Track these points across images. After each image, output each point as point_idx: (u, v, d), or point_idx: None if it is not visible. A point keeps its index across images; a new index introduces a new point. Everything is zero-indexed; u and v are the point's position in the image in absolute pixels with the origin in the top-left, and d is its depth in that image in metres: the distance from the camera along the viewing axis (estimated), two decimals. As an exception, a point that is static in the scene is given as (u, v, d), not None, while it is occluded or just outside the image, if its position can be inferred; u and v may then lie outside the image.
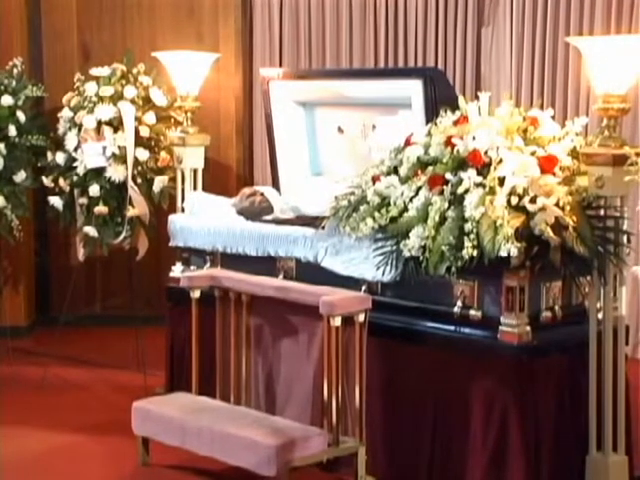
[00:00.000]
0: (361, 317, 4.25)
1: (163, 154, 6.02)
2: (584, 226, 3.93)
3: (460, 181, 4.05)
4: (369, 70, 6.42)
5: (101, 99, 6.06)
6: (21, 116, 6.17)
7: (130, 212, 5.98)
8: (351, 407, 4.31)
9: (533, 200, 3.91)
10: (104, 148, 5.99)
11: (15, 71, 6.27)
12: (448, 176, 4.10)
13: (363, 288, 4.49)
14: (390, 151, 4.48)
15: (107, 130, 6.01)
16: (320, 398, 4.34)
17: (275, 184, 5.62)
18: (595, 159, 3.94)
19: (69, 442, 4.96)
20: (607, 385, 4.02)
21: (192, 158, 5.73)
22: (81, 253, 6.27)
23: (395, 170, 4.37)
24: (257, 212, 5.25)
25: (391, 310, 4.38)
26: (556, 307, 4.14)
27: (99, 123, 6.02)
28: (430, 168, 4.20)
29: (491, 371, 4.03)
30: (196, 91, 5.80)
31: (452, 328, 4.19)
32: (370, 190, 4.37)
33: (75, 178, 6.07)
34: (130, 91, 6.09)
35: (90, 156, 6.01)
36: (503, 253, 3.83)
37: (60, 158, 6.13)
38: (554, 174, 4.04)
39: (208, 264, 5.22)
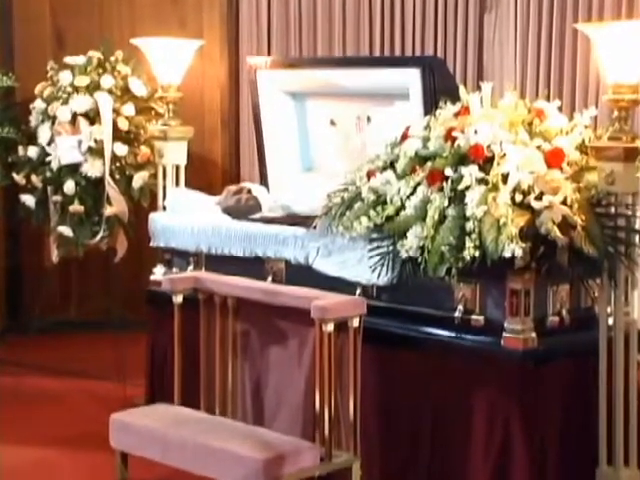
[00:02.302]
0: (355, 322, 4.26)
1: (143, 148, 6.04)
2: (593, 225, 3.94)
3: (461, 177, 4.05)
4: (364, 58, 6.42)
5: (76, 89, 6.07)
6: (-10, 108, 6.19)
7: (108, 210, 5.99)
8: (345, 419, 4.32)
9: (539, 197, 3.93)
10: (79, 142, 6.00)
11: (-16, 59, 6.29)
12: (448, 172, 4.10)
13: (357, 291, 4.50)
14: (386, 145, 4.49)
15: (83, 122, 6.02)
16: (311, 409, 4.34)
17: (263, 180, 5.63)
18: (605, 153, 3.96)
19: (43, 457, 4.96)
20: (618, 394, 4.04)
21: (174, 153, 5.73)
22: (55, 254, 6.28)
23: (391, 165, 4.38)
24: (244, 210, 5.25)
25: (387, 315, 4.40)
26: (564, 311, 4.16)
27: (74, 115, 6.03)
28: (429, 163, 4.21)
29: (494, 379, 4.05)
30: (178, 81, 5.81)
31: (452, 334, 4.21)
32: (365, 187, 4.37)
33: (48, 174, 6.08)
34: (107, 81, 6.10)
35: (64, 150, 6.02)
36: (507, 254, 3.84)
37: (32, 153, 6.14)
38: (561, 169, 4.06)
39: (191, 266, 5.23)
